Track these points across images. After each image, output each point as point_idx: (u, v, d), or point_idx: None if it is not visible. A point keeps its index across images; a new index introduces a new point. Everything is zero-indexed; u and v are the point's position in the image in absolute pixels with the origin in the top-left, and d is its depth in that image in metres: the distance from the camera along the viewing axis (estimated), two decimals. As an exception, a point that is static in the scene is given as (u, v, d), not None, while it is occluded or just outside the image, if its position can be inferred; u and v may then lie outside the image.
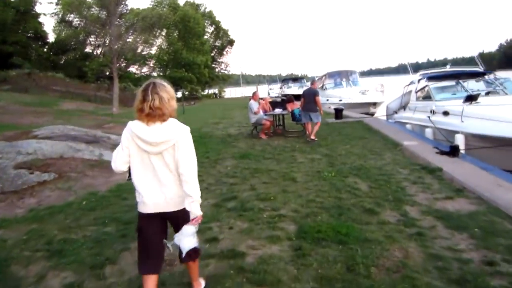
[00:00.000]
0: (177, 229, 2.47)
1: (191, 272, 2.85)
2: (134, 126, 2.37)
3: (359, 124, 13.42)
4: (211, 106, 32.33)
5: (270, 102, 13.01)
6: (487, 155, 7.42)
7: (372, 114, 20.93)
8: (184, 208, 2.42)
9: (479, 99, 9.03)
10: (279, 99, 14.22)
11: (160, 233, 2.53)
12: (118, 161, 2.44)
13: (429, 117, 10.12)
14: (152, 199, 2.43)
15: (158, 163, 2.40)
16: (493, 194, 4.80)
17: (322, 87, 26.36)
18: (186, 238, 2.38)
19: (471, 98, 8.98)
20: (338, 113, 14.78)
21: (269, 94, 41.72)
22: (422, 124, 10.57)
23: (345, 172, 6.58)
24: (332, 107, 21.44)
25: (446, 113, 9.44)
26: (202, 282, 3.01)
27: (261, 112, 11.36)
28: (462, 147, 7.87)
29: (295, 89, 40.71)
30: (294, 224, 4.36)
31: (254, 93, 11.92)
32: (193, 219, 2.40)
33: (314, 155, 8.40)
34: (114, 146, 10.37)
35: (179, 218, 2.46)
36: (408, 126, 11.72)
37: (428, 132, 9.93)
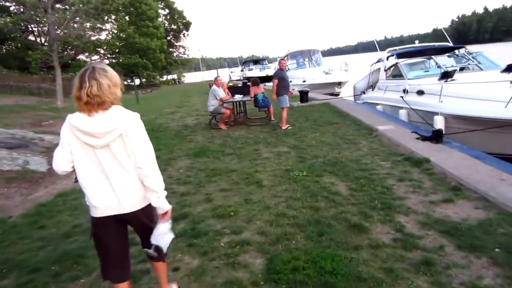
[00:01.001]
0: (141, 233, 2.36)
1: (160, 274, 2.58)
2: (74, 119, 2.11)
3: (326, 106, 12.51)
4: (169, 93, 30.49)
5: (229, 88, 11.77)
6: (467, 139, 6.68)
7: (337, 94, 20.23)
8: (144, 207, 2.25)
9: (455, 76, 8.28)
10: (240, 84, 12.92)
11: (119, 239, 2.30)
12: (60, 161, 2.17)
13: (402, 97, 9.31)
14: (103, 201, 2.17)
15: (106, 158, 2.14)
16: (499, 193, 3.95)
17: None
18: (164, 236, 2.27)
19: (446, 75, 8.20)
20: (303, 95, 13.81)
21: (230, 77, 40.25)
22: (395, 105, 9.77)
23: (319, 169, 5.56)
24: (296, 89, 20.58)
25: (420, 92, 8.65)
26: (174, 287, 2.77)
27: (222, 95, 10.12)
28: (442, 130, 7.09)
29: (256, 72, 39.48)
30: (261, 256, 3.27)
31: (216, 78, 10.61)
32: (163, 215, 2.27)
33: (280, 147, 7.34)
34: (47, 149, 8.85)
35: (140, 219, 2.27)
36: (379, 107, 10.92)
37: (402, 114, 9.13)
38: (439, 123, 7.28)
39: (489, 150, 6.09)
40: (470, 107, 6.72)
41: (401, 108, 9.30)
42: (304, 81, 20.39)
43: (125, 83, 41.26)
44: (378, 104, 11.15)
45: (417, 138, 6.64)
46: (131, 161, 2.14)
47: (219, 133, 9.63)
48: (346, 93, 17.44)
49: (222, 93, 10.16)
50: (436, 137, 6.25)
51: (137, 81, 23.55)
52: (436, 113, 7.48)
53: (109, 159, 2.14)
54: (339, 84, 20.10)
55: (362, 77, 14.12)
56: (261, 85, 10.59)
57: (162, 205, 2.24)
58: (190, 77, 65.41)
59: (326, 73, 20.23)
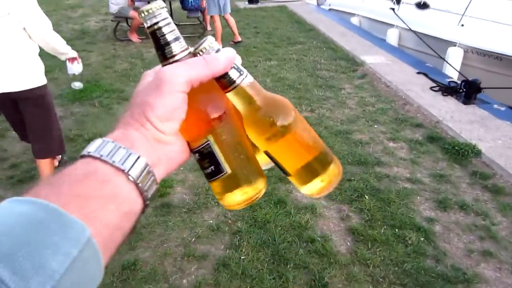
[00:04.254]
0: (30, 117, 2.33)
1: (43, 172, 2.48)
2: None
3: (283, 12, 9.37)
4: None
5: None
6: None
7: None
8: (40, 87, 2.26)
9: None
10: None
11: (18, 115, 2.35)
12: None
13: (392, 9, 6.56)
14: None
15: None
16: None
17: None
18: (76, 67, 2.60)
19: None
20: (253, -7, 10.36)
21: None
22: (380, 20, 7.03)
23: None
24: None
25: (423, 5, 5.96)
26: None
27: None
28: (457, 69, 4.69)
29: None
30: None
31: None
32: (70, 59, 2.58)
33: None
34: None
35: (31, 101, 2.27)
36: (354, 20, 8.09)
37: (392, 35, 6.50)
38: (455, 60, 4.84)
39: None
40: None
41: (391, 26, 6.61)
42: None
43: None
44: (352, 14, 8.29)
45: (434, 89, 4.18)
46: (21, 39, 2.14)
47: (127, 50, 6.41)
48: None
49: (131, -15, 6.60)
50: (469, 93, 3.83)
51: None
52: (452, 44, 4.98)
53: None
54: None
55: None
56: None
57: (68, 51, 2.49)
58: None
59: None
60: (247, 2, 10.40)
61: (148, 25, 0.37)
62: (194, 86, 0.37)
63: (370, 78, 4.72)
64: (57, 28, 8.45)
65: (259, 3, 10.34)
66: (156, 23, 0.37)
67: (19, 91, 2.18)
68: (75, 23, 8.86)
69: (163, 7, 0.37)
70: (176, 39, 0.38)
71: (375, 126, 3.56)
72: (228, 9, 6.26)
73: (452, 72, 4.70)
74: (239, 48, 6.19)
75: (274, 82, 4.71)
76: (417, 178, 2.77)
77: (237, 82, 0.40)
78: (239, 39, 6.49)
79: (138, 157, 0.34)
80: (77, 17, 9.65)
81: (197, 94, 0.38)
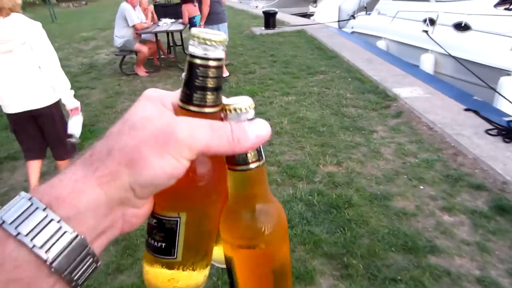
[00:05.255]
0: (49, 129, 2.65)
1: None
2: None
3: (301, 37, 8.76)
4: (107, 7, 24.65)
5: (156, 7, 7.66)
6: None
7: (311, 15, 16.16)
8: (54, 104, 2.57)
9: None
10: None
11: (33, 129, 2.62)
12: None
13: (426, 31, 5.81)
14: (15, 98, 2.44)
15: (13, 61, 2.34)
16: None
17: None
18: (77, 125, 2.68)
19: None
20: (270, 18, 9.82)
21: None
22: (411, 44, 6.28)
23: (299, 236, 2.28)
24: (260, 6, 16.23)
25: (463, 27, 5.19)
26: None
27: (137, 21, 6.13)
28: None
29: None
30: None
31: None
32: (73, 110, 2.63)
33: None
34: None
35: (52, 114, 2.59)
36: (381, 44, 7.36)
37: (427, 62, 5.72)
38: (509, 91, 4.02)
39: None
40: None
41: (424, 50, 5.84)
42: (271, -4, 16.05)
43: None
44: (378, 38, 7.57)
45: (491, 132, 3.36)
46: (36, 65, 2.41)
47: (132, 85, 5.91)
48: (325, 15, 13.43)
49: (137, 17, 6.14)
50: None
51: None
52: (505, 72, 4.17)
53: (15, 63, 2.35)
54: (315, 1, 15.95)
55: (352, -6, 10.17)
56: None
57: (69, 101, 2.62)
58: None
59: (300, -14, 15.85)
60: (263, 28, 9.88)
61: (200, 54, 0.29)
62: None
63: (407, 117, 3.94)
64: (66, 62, 8.20)
65: (276, 28, 9.79)
66: (213, 59, 0.29)
67: (39, 108, 2.52)
68: (85, 56, 8.56)
69: (225, 42, 0.30)
70: (217, 89, 0.30)
71: (421, 187, 2.78)
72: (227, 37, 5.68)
73: (508, 108, 3.88)
74: (254, 81, 5.57)
75: (292, 123, 4.01)
76: (492, 278, 1.96)
77: (251, 166, 0.32)
78: (227, 74, 5.86)
79: (76, 237, 0.26)
80: (89, 49, 9.39)
81: (196, 159, 0.30)
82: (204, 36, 0.29)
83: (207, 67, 0.29)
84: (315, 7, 16.05)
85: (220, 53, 0.29)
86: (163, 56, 7.20)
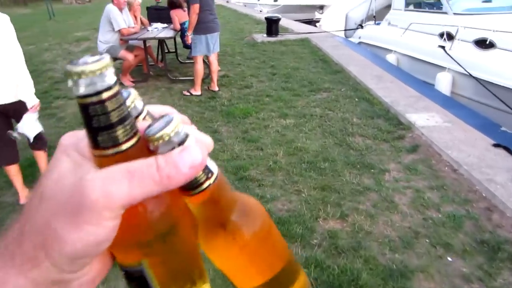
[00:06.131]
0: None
1: (40, 163, 2.86)
2: None
3: (305, 47, 8.17)
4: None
5: (149, 10, 7.08)
6: None
7: (317, 22, 15.61)
8: (21, 100, 2.55)
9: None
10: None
11: (3, 127, 2.59)
12: None
13: (443, 47, 5.21)
14: None
15: None
16: None
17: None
18: (29, 125, 2.56)
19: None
20: (272, 25, 9.22)
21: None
22: (425, 60, 5.67)
23: None
24: (265, 10, 15.66)
25: (487, 45, 4.59)
26: None
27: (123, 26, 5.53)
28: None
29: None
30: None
31: None
32: (31, 108, 2.56)
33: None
34: None
35: (20, 109, 2.55)
36: (391, 57, 6.75)
37: (443, 82, 5.11)
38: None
39: None
40: None
41: (440, 68, 5.23)
42: (276, 1, 15.47)
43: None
44: (388, 51, 6.95)
45: (529, 180, 2.74)
46: (5, 58, 2.42)
47: (114, 98, 5.31)
48: (331, 23, 12.81)
49: (123, 21, 5.55)
50: None
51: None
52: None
53: None
54: (321, 8, 15.38)
55: (360, 3, 9.57)
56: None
57: (30, 98, 2.56)
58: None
59: (306, -9, 15.25)
60: (265, 35, 9.29)
61: (80, 93, 0.23)
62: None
63: (424, 153, 3.32)
64: (51, 65, 7.59)
65: (279, 35, 9.20)
66: (96, 93, 0.23)
67: (7, 103, 2.51)
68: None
69: (108, 66, 0.24)
70: (124, 119, 0.25)
71: (448, 258, 2.16)
72: (217, 48, 5.12)
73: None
74: (249, 98, 4.97)
75: (288, 155, 3.40)
76: None
77: (203, 187, 0.29)
78: (216, 89, 5.28)
79: None
80: (78, 52, 8.83)
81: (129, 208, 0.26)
82: (78, 70, 0.23)
83: (98, 103, 0.24)
84: (321, 13, 15.48)
85: (108, 80, 0.24)
86: (152, 64, 6.62)
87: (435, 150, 3.33)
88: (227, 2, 22.86)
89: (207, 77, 5.63)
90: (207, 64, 5.26)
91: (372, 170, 3.10)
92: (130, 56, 5.53)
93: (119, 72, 5.97)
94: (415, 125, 3.76)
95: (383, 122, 4.02)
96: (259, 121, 4.19)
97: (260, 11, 15.58)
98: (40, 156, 2.85)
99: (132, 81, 5.86)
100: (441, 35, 5.41)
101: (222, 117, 4.35)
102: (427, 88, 4.93)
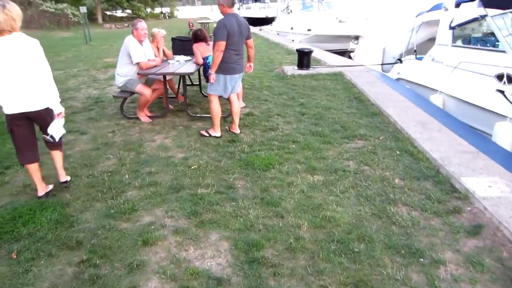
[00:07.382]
0: (44, 127, 3.12)
1: (57, 161, 3.40)
2: None
3: (338, 82, 7.59)
4: (149, 30, 24.81)
5: (174, 41, 6.77)
6: None
7: (351, 52, 15.06)
8: (47, 108, 3.03)
9: None
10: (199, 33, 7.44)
11: (28, 130, 3.11)
12: None
13: (502, 92, 4.47)
14: (15, 101, 2.90)
15: (14, 71, 2.80)
16: None
17: (286, 8, 19.81)
18: (57, 129, 3.12)
19: None
20: (303, 58, 8.73)
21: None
22: (479, 106, 4.92)
23: None
24: (297, 40, 15.30)
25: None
26: (67, 178, 3.54)
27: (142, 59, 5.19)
28: None
29: (255, 11, 33.29)
30: None
31: (136, 24, 5.44)
32: (58, 114, 3.11)
33: (219, 227, 2.69)
34: None
35: (43, 116, 3.05)
36: (435, 99, 6.02)
37: (504, 134, 4.34)
38: None
39: None
40: None
41: (499, 116, 4.48)
42: (309, 30, 15.08)
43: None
44: (433, 90, 6.23)
45: None
46: (34, 74, 2.89)
47: (127, 134, 4.90)
48: (366, 54, 12.18)
49: (143, 53, 5.21)
50: None
51: (82, 9, 17.53)
52: None
53: (18, 70, 2.80)
54: (357, 38, 14.83)
55: (399, 35, 8.92)
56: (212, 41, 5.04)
57: (57, 107, 3.08)
58: (185, 12, 58.30)
59: (340, 21, 14.78)
60: (296, 67, 8.81)
61: None
62: None
63: (490, 238, 2.59)
64: (74, 93, 7.33)
65: (310, 68, 8.68)
66: None
67: (35, 111, 3.00)
68: (97, 88, 7.79)
69: None
70: None
71: None
72: (237, 89, 4.66)
73: None
74: (273, 143, 4.40)
75: (314, 228, 2.76)
76: None
77: None
78: (237, 131, 4.75)
79: None
80: (104, 80, 8.65)
81: None
82: None
83: None
84: (356, 43, 14.92)
85: None
86: (173, 96, 6.24)
87: (505, 235, 2.59)
88: (260, 30, 22.83)
89: (229, 115, 5.15)
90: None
91: (422, 260, 2.40)
92: (147, 91, 5.14)
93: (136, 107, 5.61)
94: (475, 195, 3.03)
95: (432, 186, 3.31)
96: (282, 176, 3.58)
97: (292, 40, 15.24)
98: (57, 155, 3.37)
99: (149, 116, 5.46)
100: (500, 77, 4.68)
101: (240, 168, 3.79)
102: (483, 141, 4.18)
